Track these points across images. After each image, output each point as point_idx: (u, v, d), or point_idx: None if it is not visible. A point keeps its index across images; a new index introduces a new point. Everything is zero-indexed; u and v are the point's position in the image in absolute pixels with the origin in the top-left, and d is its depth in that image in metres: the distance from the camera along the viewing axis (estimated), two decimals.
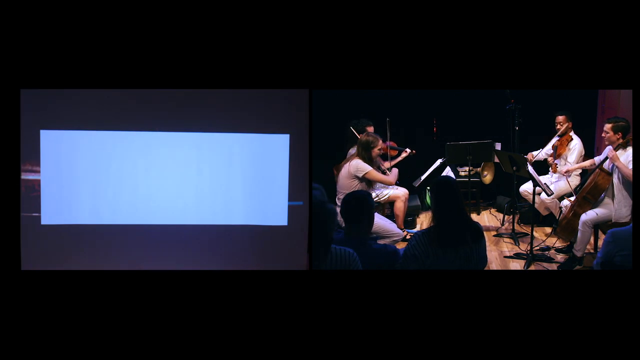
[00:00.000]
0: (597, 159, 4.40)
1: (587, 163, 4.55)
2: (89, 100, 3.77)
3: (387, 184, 4.74)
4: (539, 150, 5.22)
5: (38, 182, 3.78)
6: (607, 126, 4.12)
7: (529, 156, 5.15)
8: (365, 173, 4.49)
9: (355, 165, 4.50)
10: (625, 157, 3.99)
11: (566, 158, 4.90)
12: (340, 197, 4.53)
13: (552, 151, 5.06)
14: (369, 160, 4.54)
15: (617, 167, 3.98)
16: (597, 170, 4.10)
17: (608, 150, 4.08)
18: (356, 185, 4.50)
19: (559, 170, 4.94)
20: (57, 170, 3.81)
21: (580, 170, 4.88)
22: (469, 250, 2.76)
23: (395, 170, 4.93)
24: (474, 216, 5.81)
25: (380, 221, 4.26)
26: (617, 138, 4.08)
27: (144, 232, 3.87)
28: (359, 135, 4.79)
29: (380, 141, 4.62)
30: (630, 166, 3.92)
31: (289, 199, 3.90)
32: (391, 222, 4.59)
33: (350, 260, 2.67)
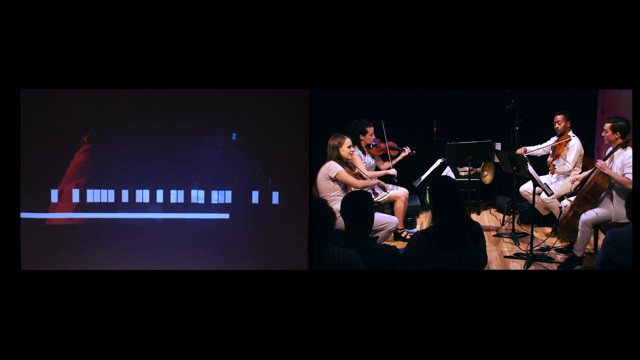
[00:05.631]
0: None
1: (585, 174, 4.51)
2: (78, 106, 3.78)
3: (355, 187, 4.52)
4: (535, 146, 5.22)
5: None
6: (607, 125, 4.14)
7: (522, 150, 5.15)
8: (336, 174, 4.48)
9: (328, 166, 4.52)
10: (623, 157, 3.99)
11: (565, 157, 4.90)
12: None
13: (551, 151, 5.07)
14: (339, 160, 4.53)
15: (610, 176, 3.99)
16: (597, 170, 4.10)
17: (599, 161, 4.09)
18: (333, 187, 4.50)
19: (557, 170, 4.94)
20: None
21: (579, 170, 4.88)
22: (468, 251, 2.76)
23: (375, 180, 4.87)
24: (474, 216, 5.80)
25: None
26: (615, 137, 4.09)
27: (144, 231, 3.87)
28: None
29: (347, 140, 4.58)
30: (630, 166, 3.92)
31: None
32: (385, 214, 4.60)
33: (352, 261, 2.67)
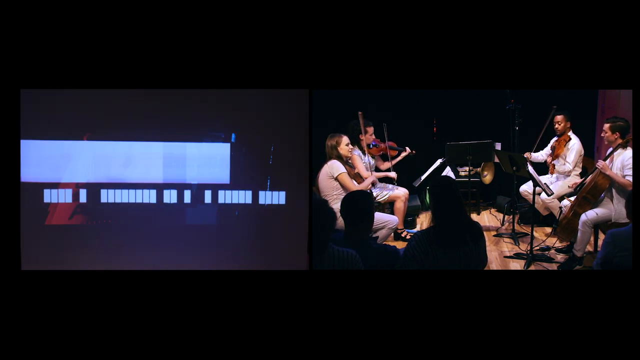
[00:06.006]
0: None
1: (582, 180, 4.49)
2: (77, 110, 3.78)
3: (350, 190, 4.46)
4: (538, 153, 5.20)
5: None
6: (606, 126, 4.14)
7: (527, 155, 5.15)
8: (338, 174, 4.45)
9: (331, 165, 4.48)
10: (623, 158, 3.99)
11: (565, 158, 4.90)
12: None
13: (550, 151, 5.06)
14: (340, 159, 4.49)
15: (610, 177, 3.99)
16: (597, 170, 4.10)
17: (599, 162, 4.09)
18: (335, 186, 4.47)
19: (557, 169, 4.94)
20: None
21: (579, 170, 4.88)
22: (468, 251, 2.76)
23: (370, 179, 4.79)
24: (474, 216, 5.80)
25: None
26: (615, 138, 4.08)
27: (143, 231, 3.87)
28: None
29: (344, 138, 4.55)
30: (629, 168, 3.91)
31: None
32: (383, 213, 4.59)
33: (352, 261, 2.67)
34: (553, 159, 5.00)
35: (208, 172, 3.91)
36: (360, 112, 4.96)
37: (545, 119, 5.06)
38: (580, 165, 4.93)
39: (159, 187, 3.89)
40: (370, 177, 4.81)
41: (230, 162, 3.90)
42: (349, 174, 4.56)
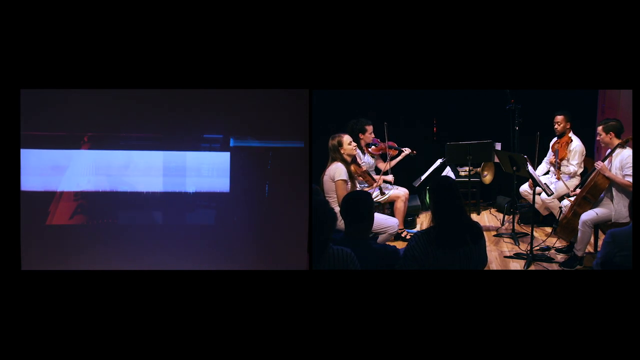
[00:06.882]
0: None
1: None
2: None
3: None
4: (539, 169, 5.14)
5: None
6: (599, 129, 4.15)
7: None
8: (337, 180, 4.29)
9: (335, 169, 4.33)
10: (621, 157, 3.99)
11: (569, 160, 4.88)
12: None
13: (552, 154, 5.04)
14: (344, 162, 4.37)
15: (610, 178, 3.99)
16: (597, 170, 4.10)
17: (598, 163, 4.09)
18: None
19: (562, 170, 4.92)
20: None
21: (580, 170, 4.88)
22: (468, 251, 2.76)
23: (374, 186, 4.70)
24: (474, 216, 5.80)
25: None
26: (610, 138, 4.08)
27: (143, 231, 3.87)
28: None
29: (345, 137, 4.43)
30: (629, 167, 3.91)
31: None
32: (385, 216, 4.56)
33: (348, 260, 2.67)
34: (557, 162, 4.96)
35: (208, 172, 3.91)
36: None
37: (545, 120, 5.07)
38: (583, 166, 4.92)
39: (159, 187, 3.90)
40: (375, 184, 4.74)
41: (230, 162, 3.90)
42: (356, 172, 4.50)
